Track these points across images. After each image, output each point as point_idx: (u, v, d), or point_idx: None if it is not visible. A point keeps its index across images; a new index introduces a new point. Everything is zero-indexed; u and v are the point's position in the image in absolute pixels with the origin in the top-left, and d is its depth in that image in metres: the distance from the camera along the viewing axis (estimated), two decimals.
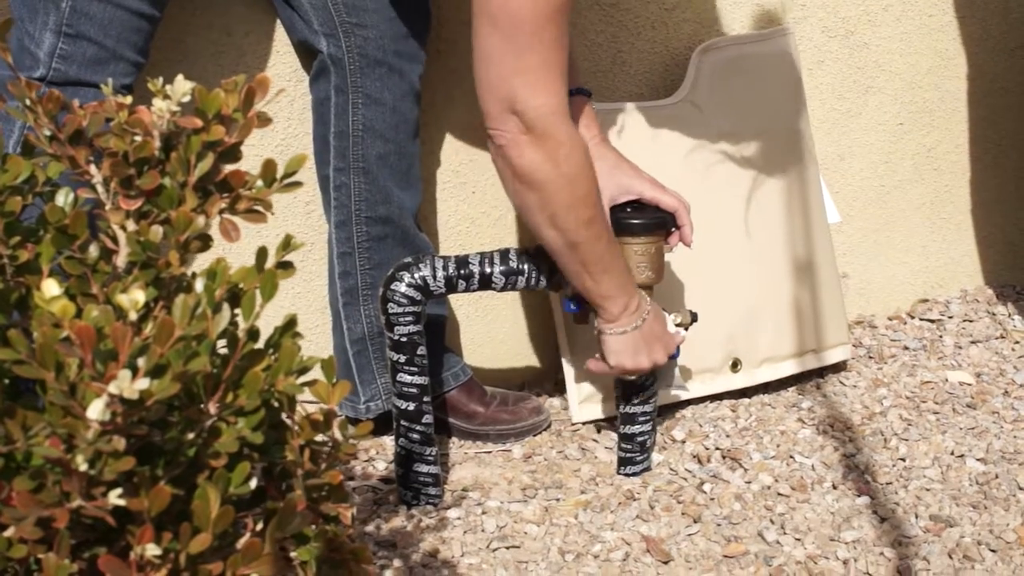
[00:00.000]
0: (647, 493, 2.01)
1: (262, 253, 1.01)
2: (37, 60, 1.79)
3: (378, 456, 2.13)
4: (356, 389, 2.12)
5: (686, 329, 2.03)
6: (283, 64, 2.10)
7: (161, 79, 1.02)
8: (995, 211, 2.70)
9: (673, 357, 2.02)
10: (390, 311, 1.91)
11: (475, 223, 2.29)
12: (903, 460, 2.09)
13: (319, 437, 1.03)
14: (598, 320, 1.92)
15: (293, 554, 1.01)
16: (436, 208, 2.26)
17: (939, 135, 2.61)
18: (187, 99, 1.02)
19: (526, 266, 1.96)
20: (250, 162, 1.04)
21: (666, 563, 1.84)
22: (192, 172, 1.01)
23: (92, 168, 1.02)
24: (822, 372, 2.39)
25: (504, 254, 1.96)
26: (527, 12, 1.69)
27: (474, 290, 1.96)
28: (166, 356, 0.87)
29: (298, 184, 1.05)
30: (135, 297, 0.89)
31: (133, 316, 0.88)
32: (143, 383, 0.84)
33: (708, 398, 2.29)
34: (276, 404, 0.99)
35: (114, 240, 1.00)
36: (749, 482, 2.04)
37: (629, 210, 1.98)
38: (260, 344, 0.98)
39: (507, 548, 1.87)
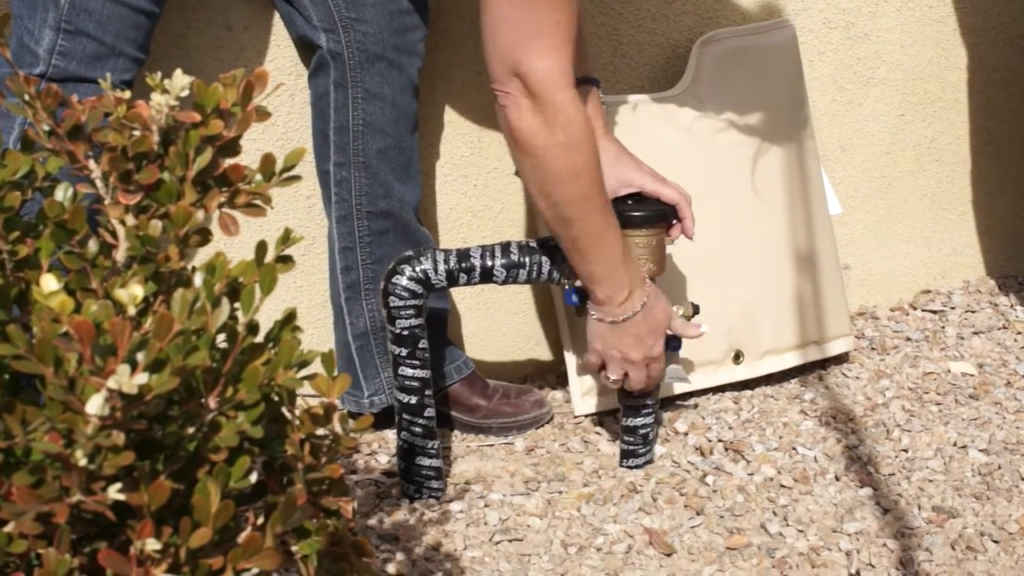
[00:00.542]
0: (650, 485, 2.00)
1: (261, 247, 1.01)
2: (37, 57, 1.79)
3: (380, 450, 2.13)
4: (360, 384, 2.12)
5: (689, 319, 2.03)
6: (283, 59, 2.10)
7: (160, 74, 1.02)
8: (997, 202, 2.70)
9: (675, 349, 2.02)
10: (391, 305, 1.91)
11: (476, 216, 2.28)
12: (905, 451, 2.09)
13: (319, 431, 1.03)
14: (588, 301, 1.92)
15: (294, 548, 1.01)
16: (437, 201, 2.25)
17: (941, 126, 2.61)
18: (185, 93, 1.02)
19: (528, 259, 1.95)
20: (252, 156, 1.04)
21: (669, 555, 1.84)
22: (191, 166, 1.01)
23: (91, 163, 1.02)
24: (824, 364, 2.39)
25: (505, 247, 1.96)
26: None
27: (475, 283, 1.96)
28: (165, 351, 0.87)
29: (297, 178, 1.06)
30: (134, 292, 0.89)
31: (132, 311, 0.88)
32: (142, 378, 0.84)
33: (710, 390, 2.29)
34: (276, 398, 0.99)
35: (113, 235, 1.00)
36: (752, 474, 2.03)
37: (630, 203, 1.98)
38: (260, 338, 0.98)
39: (510, 541, 1.87)
